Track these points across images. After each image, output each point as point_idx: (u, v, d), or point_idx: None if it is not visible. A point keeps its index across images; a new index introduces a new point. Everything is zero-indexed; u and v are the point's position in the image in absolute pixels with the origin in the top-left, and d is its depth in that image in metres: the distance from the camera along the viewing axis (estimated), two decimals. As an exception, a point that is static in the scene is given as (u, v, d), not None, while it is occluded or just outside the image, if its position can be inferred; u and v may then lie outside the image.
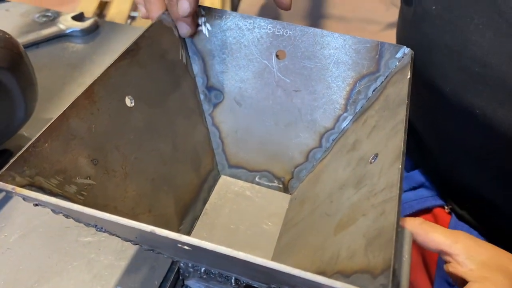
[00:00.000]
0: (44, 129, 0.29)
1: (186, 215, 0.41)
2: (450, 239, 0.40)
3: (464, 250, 0.39)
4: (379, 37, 0.40)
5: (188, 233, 0.42)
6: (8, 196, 0.45)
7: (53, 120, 0.30)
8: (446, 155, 0.54)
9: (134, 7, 1.66)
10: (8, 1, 0.75)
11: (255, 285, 0.36)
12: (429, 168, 0.59)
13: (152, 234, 0.24)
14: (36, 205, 0.28)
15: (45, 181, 0.28)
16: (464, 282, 0.38)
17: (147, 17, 0.42)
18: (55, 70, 0.62)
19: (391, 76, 0.39)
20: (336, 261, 0.29)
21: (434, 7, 0.45)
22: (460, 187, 0.53)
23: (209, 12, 0.42)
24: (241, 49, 0.43)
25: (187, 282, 0.39)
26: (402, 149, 0.29)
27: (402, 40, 0.55)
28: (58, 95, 0.57)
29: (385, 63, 0.40)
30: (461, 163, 0.52)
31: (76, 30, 0.68)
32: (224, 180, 0.47)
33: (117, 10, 1.61)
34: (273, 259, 0.40)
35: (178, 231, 0.40)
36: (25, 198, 0.27)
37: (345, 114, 0.42)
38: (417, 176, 0.59)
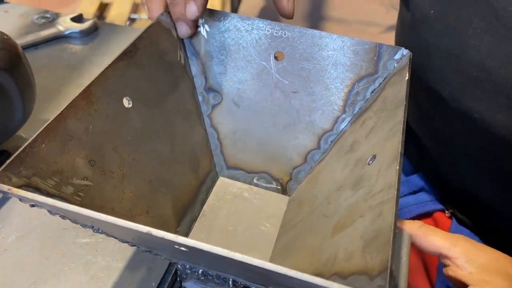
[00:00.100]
0: (41, 129, 0.29)
1: (184, 217, 0.41)
2: (449, 242, 0.40)
3: (463, 253, 0.39)
4: (378, 39, 0.40)
5: (186, 234, 0.42)
6: (6, 197, 0.45)
7: (50, 121, 0.30)
8: (445, 159, 0.54)
9: (134, 9, 1.67)
10: (7, 2, 0.75)
11: (252, 287, 0.36)
12: (429, 172, 0.59)
13: (148, 235, 0.24)
14: (33, 205, 0.28)
15: (41, 182, 0.28)
16: (464, 285, 0.38)
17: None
18: (54, 71, 0.62)
19: (389, 78, 0.39)
20: (333, 263, 0.29)
21: (432, 11, 0.45)
22: (460, 191, 0.53)
23: (208, 14, 0.42)
24: (239, 51, 0.43)
25: (184, 284, 0.39)
26: (400, 151, 0.29)
27: (400, 43, 0.55)
28: (56, 96, 0.57)
29: (384, 65, 0.40)
30: (460, 167, 0.52)
31: (75, 32, 0.68)
32: (222, 181, 0.47)
33: (117, 12, 1.62)
34: (271, 260, 0.40)
35: (175, 232, 0.40)
36: (21, 199, 0.26)
37: (343, 116, 0.42)
38: (417, 180, 0.59)
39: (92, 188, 0.32)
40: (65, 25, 0.69)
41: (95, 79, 0.33)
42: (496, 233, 0.51)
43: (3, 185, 0.25)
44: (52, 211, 0.28)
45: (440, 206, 0.58)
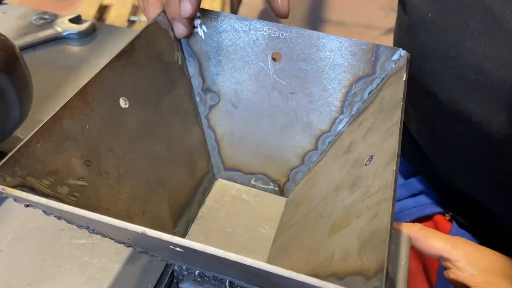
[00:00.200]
0: (36, 129, 0.29)
1: (180, 218, 0.41)
2: (449, 244, 0.40)
3: (464, 255, 0.39)
4: (377, 42, 0.40)
5: (183, 235, 0.41)
6: (2, 198, 0.44)
7: (45, 121, 0.29)
8: (444, 162, 0.54)
9: (134, 12, 1.67)
10: (5, 4, 0.75)
11: (249, 288, 0.36)
12: (429, 175, 0.59)
13: (143, 235, 0.24)
14: (27, 206, 0.27)
15: (36, 182, 0.28)
16: None
17: None
18: (51, 72, 0.62)
19: (387, 79, 0.39)
20: (330, 263, 0.29)
21: (429, 14, 0.45)
22: (459, 193, 0.53)
23: (205, 14, 0.42)
24: (237, 51, 0.43)
25: (181, 285, 0.39)
26: (396, 151, 0.29)
27: (398, 47, 0.55)
28: (53, 97, 0.57)
29: (381, 65, 0.39)
30: (459, 169, 0.52)
31: (73, 33, 0.68)
32: (221, 183, 0.47)
33: (117, 14, 1.62)
34: (268, 261, 0.39)
35: (172, 233, 0.40)
36: (16, 199, 0.26)
37: (341, 117, 0.42)
38: (417, 183, 0.59)
39: (87, 189, 0.32)
40: (63, 26, 0.68)
41: (91, 79, 0.33)
42: (496, 236, 0.51)
43: (-3, 185, 0.25)
44: (47, 211, 0.28)
45: (440, 209, 0.58)
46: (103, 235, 0.31)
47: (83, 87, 0.32)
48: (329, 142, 0.43)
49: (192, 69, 0.44)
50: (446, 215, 0.58)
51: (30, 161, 0.28)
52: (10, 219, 0.43)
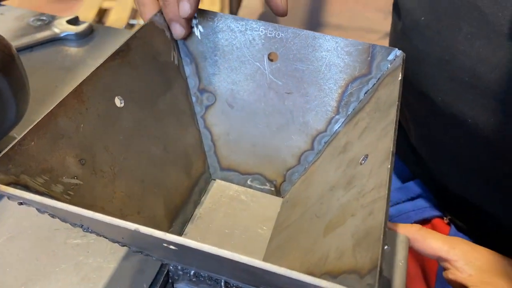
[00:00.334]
0: (30, 127, 0.29)
1: (176, 218, 0.41)
2: (447, 245, 0.40)
3: (462, 255, 0.39)
4: (377, 45, 0.40)
5: (178, 235, 0.41)
6: (-2, 198, 0.44)
7: (40, 119, 0.29)
8: (440, 165, 0.54)
9: (133, 15, 1.67)
10: (3, 5, 0.75)
11: (244, 288, 0.36)
12: (426, 177, 0.59)
13: (136, 232, 0.24)
14: (21, 203, 0.27)
15: (30, 180, 0.28)
16: None
17: None
18: (48, 73, 0.62)
19: (382, 79, 0.39)
20: (324, 262, 0.29)
21: (422, 18, 0.45)
22: (455, 196, 0.53)
23: (201, 14, 0.42)
24: (233, 51, 0.43)
25: (176, 285, 0.39)
26: (391, 150, 0.29)
27: None
28: (50, 98, 0.57)
29: (377, 65, 0.40)
30: (454, 172, 0.52)
31: (71, 34, 0.68)
32: (218, 184, 0.47)
33: (116, 17, 1.62)
34: (264, 261, 0.39)
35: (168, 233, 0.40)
36: (9, 197, 0.26)
37: (337, 117, 0.42)
38: (415, 186, 0.59)
39: (82, 187, 0.32)
40: (60, 27, 0.69)
41: (86, 78, 0.33)
42: (494, 238, 0.51)
43: (-10, 182, 0.25)
44: (41, 209, 0.28)
45: (438, 213, 0.58)
46: (98, 234, 0.31)
47: (78, 85, 0.32)
48: (325, 142, 0.43)
49: (188, 69, 0.44)
50: (444, 218, 0.58)
51: (24, 159, 0.28)
52: (5, 218, 0.43)
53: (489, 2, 0.39)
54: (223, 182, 0.47)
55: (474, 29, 0.40)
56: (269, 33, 0.42)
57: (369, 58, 0.40)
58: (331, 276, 0.27)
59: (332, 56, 0.41)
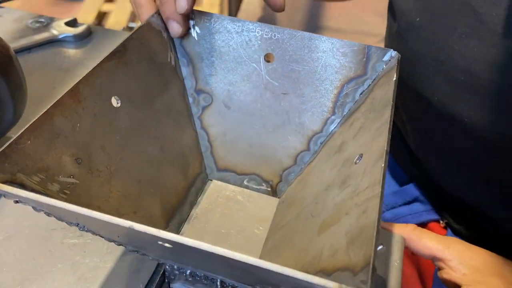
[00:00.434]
0: (27, 126, 0.29)
1: (172, 218, 0.41)
2: (442, 244, 0.40)
3: (456, 255, 0.39)
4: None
5: (175, 235, 0.41)
6: (-5, 198, 0.45)
7: (36, 118, 0.30)
8: (438, 167, 0.54)
9: (132, 18, 1.67)
10: (1, 7, 0.75)
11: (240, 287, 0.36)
12: (423, 181, 0.59)
13: (131, 230, 0.24)
14: (17, 202, 0.27)
15: (26, 178, 0.28)
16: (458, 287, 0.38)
17: None
18: (46, 74, 0.62)
19: (378, 79, 0.39)
20: (319, 260, 0.29)
21: (418, 19, 0.45)
22: (454, 199, 0.53)
23: (198, 15, 0.42)
24: (229, 52, 0.43)
25: (172, 285, 0.39)
26: (385, 148, 0.29)
27: None
28: (47, 99, 0.57)
29: (372, 66, 0.40)
30: (454, 174, 0.52)
31: (69, 36, 0.68)
32: (215, 184, 0.47)
33: (115, 21, 1.63)
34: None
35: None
36: (5, 195, 0.26)
37: (333, 117, 0.42)
38: (411, 190, 0.59)
39: (78, 186, 0.32)
40: (59, 29, 0.69)
41: (83, 78, 0.33)
42: (492, 241, 0.51)
43: (-14, 180, 0.25)
44: (37, 207, 0.28)
45: (434, 216, 0.58)
46: (94, 233, 0.31)
47: (74, 85, 0.32)
48: (321, 143, 0.43)
49: (185, 70, 0.44)
50: (441, 222, 0.58)
51: (20, 158, 0.28)
52: (2, 218, 0.43)
53: (483, 1, 0.39)
54: (219, 183, 0.47)
55: (469, 29, 0.41)
56: (266, 34, 0.42)
57: (364, 59, 0.40)
58: (325, 273, 0.27)
59: (328, 57, 0.41)
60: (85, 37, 0.70)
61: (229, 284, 0.37)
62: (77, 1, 2.15)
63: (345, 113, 0.41)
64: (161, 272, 0.39)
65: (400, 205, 0.60)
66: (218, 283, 0.37)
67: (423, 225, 0.58)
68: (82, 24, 0.71)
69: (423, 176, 0.58)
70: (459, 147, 0.48)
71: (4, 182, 0.27)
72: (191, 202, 0.44)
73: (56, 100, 0.31)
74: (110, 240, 0.33)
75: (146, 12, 0.41)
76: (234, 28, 0.42)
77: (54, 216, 0.29)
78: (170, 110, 0.42)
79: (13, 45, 0.64)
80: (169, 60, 0.42)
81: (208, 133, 0.46)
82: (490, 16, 0.39)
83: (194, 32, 0.43)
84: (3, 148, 0.27)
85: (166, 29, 0.42)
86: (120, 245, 0.34)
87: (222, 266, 0.29)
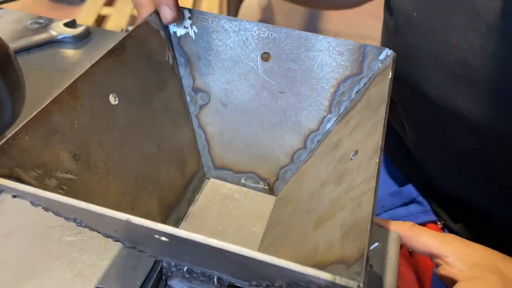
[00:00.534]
0: (25, 122, 0.29)
1: (170, 215, 0.41)
2: (439, 241, 0.40)
3: (453, 251, 0.39)
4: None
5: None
6: (-7, 196, 0.45)
7: (34, 114, 0.30)
8: (437, 166, 0.54)
9: (131, 22, 1.68)
10: (1, 9, 0.76)
11: (237, 284, 0.36)
12: (421, 181, 0.59)
13: (128, 223, 0.24)
14: (15, 196, 0.28)
15: (24, 174, 0.28)
16: (456, 283, 0.38)
17: None
18: (45, 74, 0.62)
19: (373, 78, 0.40)
20: (314, 255, 0.29)
21: (415, 14, 0.46)
22: (453, 198, 0.53)
23: (196, 15, 0.42)
24: (227, 51, 0.43)
25: (169, 282, 0.39)
26: (380, 144, 0.30)
27: None
28: (46, 99, 0.57)
29: (368, 65, 0.40)
30: (452, 172, 0.52)
31: (68, 36, 0.69)
32: (212, 182, 0.47)
33: (114, 24, 1.63)
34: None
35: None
36: (3, 189, 0.27)
37: (329, 116, 0.42)
38: (408, 191, 0.59)
39: (76, 182, 0.32)
40: (58, 30, 0.69)
41: (80, 75, 0.33)
42: (490, 241, 0.51)
43: (-16, 174, 0.25)
44: (34, 201, 0.28)
45: (432, 217, 0.58)
46: (91, 228, 0.31)
47: (72, 82, 0.33)
48: (317, 141, 0.43)
49: (182, 69, 0.44)
50: (438, 223, 0.58)
51: (18, 153, 0.28)
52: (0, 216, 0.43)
53: None
54: (217, 181, 0.47)
55: (466, 22, 0.41)
56: (262, 33, 0.42)
57: (360, 57, 0.40)
58: (320, 267, 0.27)
59: (324, 56, 0.41)
60: (83, 38, 0.70)
61: (225, 280, 0.37)
62: (77, 5, 2.16)
63: (341, 112, 0.42)
64: (158, 269, 0.39)
65: (397, 207, 0.60)
66: (215, 279, 0.37)
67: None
68: (81, 25, 0.72)
69: (421, 176, 0.59)
70: (459, 144, 0.48)
71: (2, 177, 0.27)
72: (189, 199, 0.44)
73: (54, 96, 0.31)
74: (107, 236, 0.33)
75: (146, 11, 0.41)
76: (231, 27, 0.43)
77: (52, 211, 0.29)
78: (167, 108, 0.43)
79: (12, 46, 0.64)
80: (166, 59, 0.43)
81: (206, 131, 0.46)
82: (487, 8, 0.39)
83: (191, 32, 0.43)
84: (1, 143, 0.27)
85: (164, 28, 0.42)
86: (117, 241, 0.34)
87: (218, 260, 0.29)
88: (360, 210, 0.27)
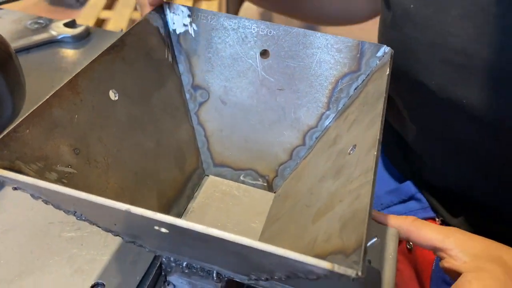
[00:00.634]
0: (26, 115, 0.29)
1: (169, 211, 0.42)
2: (442, 234, 0.40)
3: (456, 244, 0.39)
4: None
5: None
6: (-7, 193, 0.45)
7: (35, 107, 0.30)
8: (437, 160, 0.54)
9: (131, 25, 1.69)
10: (1, 9, 0.76)
11: (236, 279, 0.36)
12: (420, 177, 0.59)
13: (128, 213, 0.24)
14: (15, 188, 0.28)
15: (25, 166, 0.29)
16: (460, 275, 0.38)
17: None
18: (45, 74, 0.62)
19: (371, 74, 0.40)
20: (313, 246, 0.29)
21: (412, 5, 0.46)
22: (453, 193, 0.53)
23: (195, 13, 0.43)
24: (226, 49, 0.44)
25: (169, 278, 0.39)
26: (378, 137, 0.30)
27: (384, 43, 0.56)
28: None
29: (366, 62, 0.40)
30: (451, 163, 0.52)
31: (67, 36, 0.69)
32: (211, 179, 0.47)
33: (114, 27, 1.64)
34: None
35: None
36: (4, 180, 0.27)
37: (327, 112, 0.43)
38: (406, 188, 0.60)
39: (76, 176, 0.32)
40: (57, 30, 0.69)
41: (81, 70, 0.34)
42: (490, 235, 0.51)
43: (-15, 165, 0.26)
44: (35, 194, 0.28)
45: (430, 214, 0.58)
46: (91, 222, 0.32)
47: (72, 77, 0.33)
48: (316, 138, 0.43)
49: (182, 66, 0.44)
50: (437, 220, 0.58)
51: (19, 146, 0.29)
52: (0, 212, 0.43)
53: None
54: (216, 178, 0.47)
55: (462, 10, 0.41)
56: (261, 31, 0.42)
57: (358, 55, 0.41)
58: (318, 258, 0.27)
59: (323, 53, 0.42)
60: (83, 38, 0.71)
61: (225, 276, 0.37)
62: (76, 8, 2.16)
63: (339, 108, 0.42)
64: (157, 265, 0.39)
65: (395, 204, 0.60)
66: (214, 275, 0.37)
67: (419, 223, 0.58)
68: (80, 25, 0.72)
69: (420, 173, 0.59)
70: (458, 134, 0.48)
71: (3, 168, 0.27)
72: (188, 196, 0.45)
73: (54, 91, 0.31)
74: (107, 230, 0.33)
75: (148, 10, 0.42)
76: (231, 25, 0.43)
77: (52, 204, 0.29)
78: (167, 105, 0.43)
79: (12, 46, 0.64)
80: (166, 56, 0.43)
81: (205, 128, 0.46)
82: None
83: (191, 29, 0.43)
84: (2, 135, 0.28)
85: (164, 26, 0.42)
86: (117, 235, 0.34)
87: (217, 252, 0.29)
88: (358, 202, 0.27)
